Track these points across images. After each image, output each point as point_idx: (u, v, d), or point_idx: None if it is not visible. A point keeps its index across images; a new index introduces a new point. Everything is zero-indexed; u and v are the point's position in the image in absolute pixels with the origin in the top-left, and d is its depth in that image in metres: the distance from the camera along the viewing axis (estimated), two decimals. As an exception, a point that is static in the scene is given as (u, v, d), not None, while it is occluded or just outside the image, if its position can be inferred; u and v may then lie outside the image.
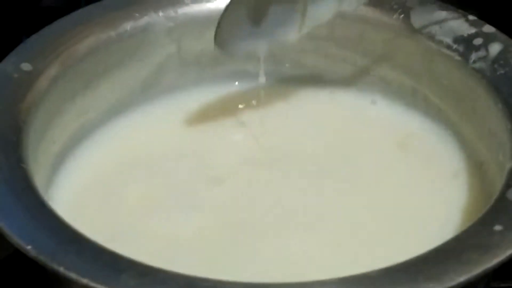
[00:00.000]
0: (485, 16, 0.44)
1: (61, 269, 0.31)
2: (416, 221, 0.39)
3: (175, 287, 0.31)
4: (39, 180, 0.37)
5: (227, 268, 0.37)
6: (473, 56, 0.42)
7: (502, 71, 0.40)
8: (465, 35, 0.42)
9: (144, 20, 0.44)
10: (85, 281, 0.31)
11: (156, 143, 0.44)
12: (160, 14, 0.44)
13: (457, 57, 0.42)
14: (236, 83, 0.47)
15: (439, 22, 0.43)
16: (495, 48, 0.41)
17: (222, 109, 0.46)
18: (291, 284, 0.31)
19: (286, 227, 0.39)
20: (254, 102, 0.46)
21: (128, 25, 0.44)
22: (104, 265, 0.31)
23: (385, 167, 0.42)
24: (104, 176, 0.42)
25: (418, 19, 0.44)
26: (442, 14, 0.43)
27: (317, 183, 0.42)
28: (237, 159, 0.43)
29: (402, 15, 0.44)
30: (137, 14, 0.44)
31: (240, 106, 0.46)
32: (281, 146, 0.44)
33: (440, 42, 0.43)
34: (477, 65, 0.41)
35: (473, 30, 0.42)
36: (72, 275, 0.31)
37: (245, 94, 0.47)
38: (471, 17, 0.43)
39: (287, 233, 0.39)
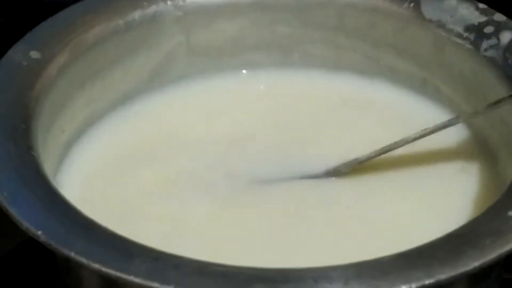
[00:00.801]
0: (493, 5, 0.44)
1: (72, 254, 0.31)
2: (428, 211, 0.39)
3: (187, 272, 0.30)
4: (48, 167, 0.37)
5: (238, 256, 0.37)
6: (484, 44, 0.41)
7: (514, 59, 0.40)
8: (476, 23, 0.42)
9: (153, 8, 0.44)
10: (96, 266, 0.30)
11: (165, 131, 0.44)
12: (169, 3, 0.44)
13: (468, 46, 0.42)
14: (244, 71, 0.47)
15: (450, 10, 0.43)
16: (506, 36, 0.41)
17: (232, 97, 0.46)
18: (304, 269, 0.31)
19: (298, 217, 0.39)
20: (262, 88, 0.46)
21: (136, 14, 0.44)
22: (115, 250, 0.31)
23: (397, 156, 0.42)
24: (112, 163, 0.42)
25: (429, 8, 0.43)
26: (453, 2, 0.43)
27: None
28: (247, 147, 0.43)
29: (413, 4, 0.44)
30: (145, 3, 0.44)
31: (248, 93, 0.46)
32: (291, 135, 0.44)
33: (450, 31, 0.42)
34: (489, 53, 0.41)
35: (484, 18, 0.42)
36: (83, 260, 0.31)
37: (254, 82, 0.47)
38: (481, 5, 0.43)
39: (298, 223, 0.39)
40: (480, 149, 0.42)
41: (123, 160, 0.42)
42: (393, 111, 0.45)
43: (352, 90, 0.46)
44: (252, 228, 0.38)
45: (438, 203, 0.39)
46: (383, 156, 0.42)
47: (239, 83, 0.47)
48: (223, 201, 0.40)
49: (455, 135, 0.43)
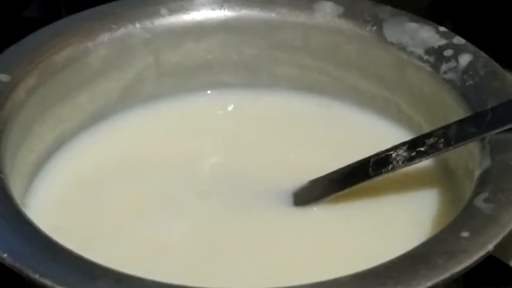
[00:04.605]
0: (459, 28, 0.45)
1: (37, 276, 0.31)
2: (386, 229, 0.40)
3: (149, 294, 0.31)
4: (16, 189, 0.38)
5: (209, 277, 0.38)
6: (444, 67, 0.42)
7: (472, 82, 0.41)
8: (436, 46, 0.43)
9: (121, 31, 0.45)
10: (60, 288, 0.31)
11: (134, 152, 0.45)
12: (137, 25, 0.45)
13: (428, 68, 0.43)
14: (212, 91, 0.48)
15: (411, 33, 0.44)
16: (465, 59, 0.42)
17: (200, 117, 0.47)
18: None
19: (266, 240, 0.40)
20: (230, 109, 0.47)
21: (105, 36, 0.44)
22: (79, 272, 0.32)
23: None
24: (82, 184, 0.42)
25: (390, 30, 0.44)
26: (414, 26, 0.44)
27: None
28: (217, 168, 0.44)
29: (375, 27, 0.45)
30: (114, 26, 0.45)
31: (216, 113, 0.47)
32: (259, 155, 0.45)
33: (411, 53, 0.43)
34: (448, 75, 0.42)
35: (443, 42, 0.43)
36: (48, 282, 0.31)
37: (222, 103, 0.48)
38: (441, 29, 0.44)
39: (265, 246, 0.39)
40: (440, 168, 0.43)
41: (93, 182, 0.43)
42: (358, 130, 0.46)
43: (318, 110, 0.47)
44: (224, 249, 0.39)
45: (397, 220, 0.40)
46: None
47: (208, 104, 0.48)
48: (196, 223, 0.41)
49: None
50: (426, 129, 0.43)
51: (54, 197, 0.42)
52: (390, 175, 0.40)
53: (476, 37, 0.44)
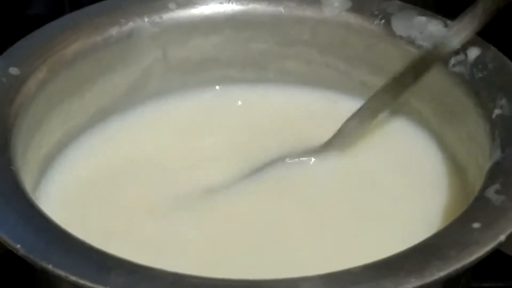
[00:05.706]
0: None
1: (50, 267, 0.31)
2: (398, 223, 0.40)
3: (163, 284, 0.31)
4: (27, 183, 0.37)
5: (220, 272, 0.37)
6: (452, 60, 0.42)
7: (480, 75, 0.41)
8: (444, 40, 0.43)
9: (129, 25, 0.45)
10: (73, 278, 0.31)
11: (143, 148, 0.45)
12: (145, 19, 0.45)
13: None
14: (220, 87, 0.48)
15: (419, 27, 0.44)
16: (473, 52, 0.42)
17: (208, 113, 0.47)
18: (276, 280, 0.32)
19: (276, 231, 0.40)
20: (239, 104, 0.47)
21: (113, 31, 0.44)
22: (92, 263, 0.32)
23: (367, 169, 0.43)
24: (90, 181, 0.42)
25: (399, 24, 0.44)
26: (422, 19, 0.44)
27: (303, 187, 0.43)
28: (227, 164, 0.44)
29: (383, 21, 0.45)
30: (122, 20, 0.45)
31: (224, 108, 0.47)
32: (267, 151, 0.45)
33: (420, 47, 0.43)
34: (456, 69, 0.42)
35: (452, 35, 0.43)
36: (61, 273, 0.31)
37: (230, 98, 0.48)
38: (450, 23, 0.44)
39: (276, 237, 0.40)
40: (449, 162, 0.43)
41: (101, 179, 0.43)
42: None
43: (326, 104, 0.47)
44: (235, 245, 0.39)
45: (408, 215, 0.40)
46: (352, 168, 0.43)
47: (216, 99, 0.48)
48: (205, 220, 0.41)
49: (425, 148, 0.44)
50: (435, 122, 0.44)
51: (63, 193, 0.42)
52: (399, 170, 0.40)
53: (481, 32, 0.44)
